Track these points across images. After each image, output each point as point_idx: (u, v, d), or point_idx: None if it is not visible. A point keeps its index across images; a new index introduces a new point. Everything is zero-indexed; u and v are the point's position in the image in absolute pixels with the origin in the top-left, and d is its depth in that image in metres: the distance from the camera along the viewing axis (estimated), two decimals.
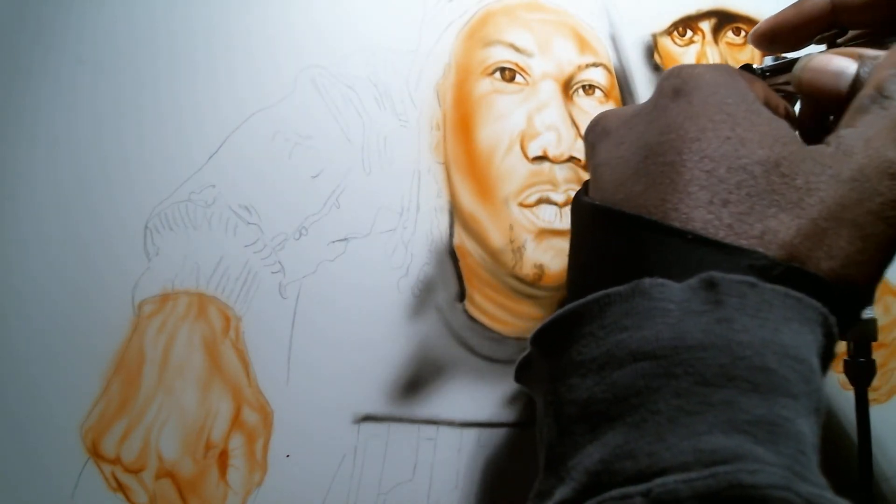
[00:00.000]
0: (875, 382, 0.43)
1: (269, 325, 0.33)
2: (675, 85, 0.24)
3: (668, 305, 0.20)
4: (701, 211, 0.22)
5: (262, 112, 0.34)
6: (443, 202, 0.36)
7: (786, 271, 0.21)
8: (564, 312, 0.22)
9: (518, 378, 0.26)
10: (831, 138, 0.23)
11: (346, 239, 0.35)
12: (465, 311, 0.36)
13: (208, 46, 0.34)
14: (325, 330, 0.34)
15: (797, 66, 0.26)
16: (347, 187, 0.35)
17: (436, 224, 0.36)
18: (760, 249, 0.21)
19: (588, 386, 0.21)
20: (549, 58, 0.38)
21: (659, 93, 0.25)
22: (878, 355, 0.43)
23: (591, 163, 0.27)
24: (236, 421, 0.32)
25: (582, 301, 0.22)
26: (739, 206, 0.22)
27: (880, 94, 0.23)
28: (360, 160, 0.35)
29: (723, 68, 0.24)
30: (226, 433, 0.32)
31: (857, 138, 0.22)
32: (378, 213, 0.35)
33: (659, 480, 0.18)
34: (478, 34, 0.38)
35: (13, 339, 0.30)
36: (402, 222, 0.35)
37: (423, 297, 0.35)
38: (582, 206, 0.26)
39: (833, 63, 0.25)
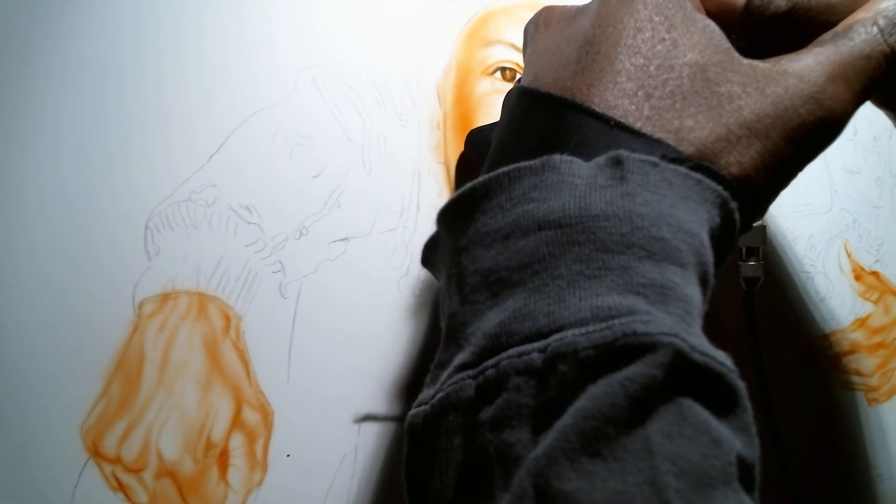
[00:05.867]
0: (875, 382, 0.43)
1: (269, 325, 0.33)
2: None
3: (576, 180, 0.21)
4: (624, 101, 0.22)
5: (262, 112, 0.34)
6: (443, 202, 0.36)
7: (694, 167, 0.22)
8: (474, 185, 0.23)
9: (424, 260, 0.26)
10: (774, 58, 0.23)
11: (346, 239, 0.35)
12: None
13: (208, 46, 0.34)
14: (325, 329, 0.34)
15: None
16: (348, 187, 0.35)
17: None
18: (673, 143, 0.22)
19: (492, 256, 0.21)
20: None
21: None
22: (878, 355, 0.43)
23: (526, 51, 0.28)
24: (236, 420, 0.32)
25: (492, 174, 0.22)
26: (662, 101, 0.22)
27: (842, 33, 0.24)
28: (360, 160, 0.35)
29: None
30: (226, 433, 0.32)
31: (797, 62, 0.23)
32: (378, 212, 0.35)
33: (556, 336, 0.18)
34: (478, 34, 0.38)
35: (13, 338, 0.30)
36: (402, 222, 0.35)
37: (424, 296, 0.35)
38: (510, 92, 0.26)
39: None
